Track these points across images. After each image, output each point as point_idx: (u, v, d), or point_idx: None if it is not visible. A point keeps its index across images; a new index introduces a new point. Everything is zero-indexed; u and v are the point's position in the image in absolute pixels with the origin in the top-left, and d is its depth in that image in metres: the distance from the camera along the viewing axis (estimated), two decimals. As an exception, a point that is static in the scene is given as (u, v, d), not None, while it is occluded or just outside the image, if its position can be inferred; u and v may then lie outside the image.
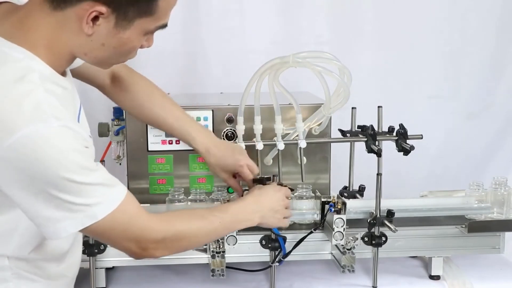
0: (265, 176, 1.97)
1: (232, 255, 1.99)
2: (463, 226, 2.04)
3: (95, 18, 1.41)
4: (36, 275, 1.57)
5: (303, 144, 2.10)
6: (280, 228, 1.99)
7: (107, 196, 1.43)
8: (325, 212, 2.00)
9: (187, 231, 1.61)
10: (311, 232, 1.98)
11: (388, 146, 2.20)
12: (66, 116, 1.38)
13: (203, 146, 1.97)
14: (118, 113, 2.22)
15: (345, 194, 2.30)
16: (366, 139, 2.15)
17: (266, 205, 1.80)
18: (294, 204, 2.08)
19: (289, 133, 2.14)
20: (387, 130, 2.19)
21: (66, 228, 1.41)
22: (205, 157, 1.98)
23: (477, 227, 2.04)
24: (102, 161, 2.13)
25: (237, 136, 2.12)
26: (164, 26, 1.51)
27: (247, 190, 1.98)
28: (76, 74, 1.81)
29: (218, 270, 1.93)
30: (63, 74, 1.51)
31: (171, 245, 1.57)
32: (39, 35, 1.42)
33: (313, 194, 2.10)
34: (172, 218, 1.62)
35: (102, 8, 1.39)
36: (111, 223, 1.44)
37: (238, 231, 1.92)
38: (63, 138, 1.36)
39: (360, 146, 2.18)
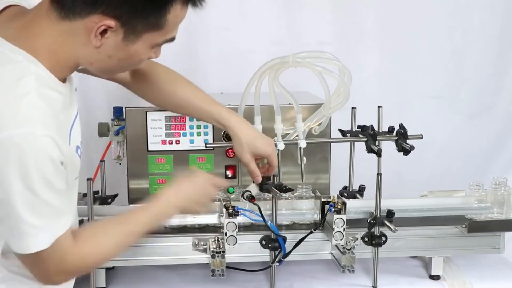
0: (264, 176, 1.98)
1: (232, 255, 1.99)
2: (463, 226, 2.04)
3: (104, 31, 1.41)
4: (29, 278, 1.53)
5: (303, 144, 2.09)
6: (280, 228, 2.00)
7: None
8: (325, 212, 2.00)
9: (110, 254, 1.60)
10: (311, 232, 1.98)
11: (390, 147, 2.19)
12: (53, 125, 1.38)
13: (236, 123, 1.91)
14: (118, 113, 2.22)
15: (345, 194, 2.30)
16: (366, 139, 2.14)
17: (187, 198, 1.74)
18: (294, 204, 2.09)
19: (289, 133, 2.14)
20: (387, 130, 2.19)
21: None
22: (236, 134, 1.91)
23: (477, 227, 2.04)
24: (102, 161, 2.14)
25: (237, 136, 2.12)
26: (173, 39, 1.51)
27: (248, 191, 1.98)
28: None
29: (218, 270, 1.93)
30: (64, 80, 1.51)
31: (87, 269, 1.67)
32: (43, 42, 1.43)
33: (313, 194, 2.11)
34: (96, 245, 1.56)
35: (111, 22, 1.40)
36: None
37: (238, 231, 1.92)
38: (44, 148, 1.36)
39: (360, 146, 2.18)
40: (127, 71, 1.60)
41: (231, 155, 2.17)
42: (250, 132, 1.93)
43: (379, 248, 2.01)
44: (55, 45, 1.43)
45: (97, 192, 2.14)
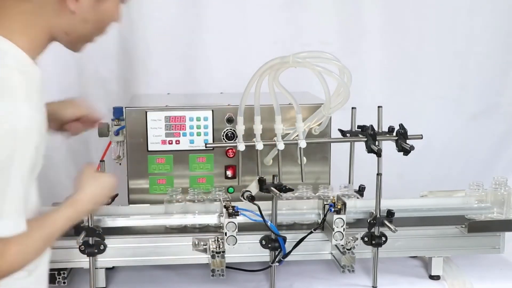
0: (264, 177, 1.98)
1: (232, 255, 1.99)
2: (463, 226, 2.04)
3: None
4: None
5: (303, 144, 2.09)
6: (280, 228, 2.00)
7: None
8: (325, 212, 2.00)
9: (34, 256, 1.56)
10: (311, 232, 1.98)
11: (392, 149, 2.19)
12: (36, 100, 1.40)
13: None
14: (118, 113, 2.22)
15: (345, 194, 2.30)
16: (366, 139, 2.14)
17: (96, 201, 1.71)
18: (294, 204, 2.09)
19: (289, 133, 2.14)
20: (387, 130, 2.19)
21: None
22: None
23: (477, 227, 2.04)
24: (102, 161, 2.13)
25: (237, 136, 2.12)
26: None
27: (248, 191, 1.97)
28: None
29: (218, 270, 1.93)
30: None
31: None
32: (14, 22, 1.46)
33: (314, 194, 2.11)
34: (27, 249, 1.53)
35: None
36: None
37: (238, 231, 1.92)
38: (28, 128, 1.37)
39: (360, 146, 2.18)
40: (98, 37, 1.61)
41: (231, 155, 2.17)
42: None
43: (379, 248, 2.01)
44: (26, 24, 1.46)
45: (97, 192, 2.13)
